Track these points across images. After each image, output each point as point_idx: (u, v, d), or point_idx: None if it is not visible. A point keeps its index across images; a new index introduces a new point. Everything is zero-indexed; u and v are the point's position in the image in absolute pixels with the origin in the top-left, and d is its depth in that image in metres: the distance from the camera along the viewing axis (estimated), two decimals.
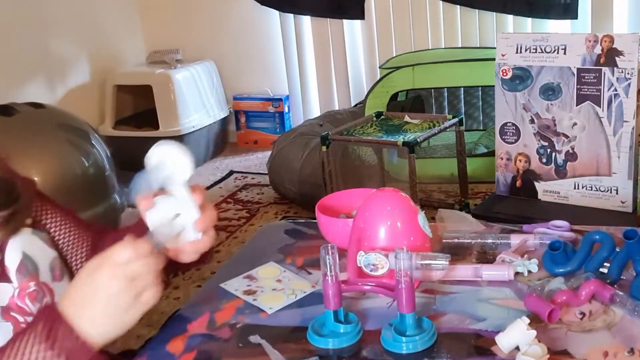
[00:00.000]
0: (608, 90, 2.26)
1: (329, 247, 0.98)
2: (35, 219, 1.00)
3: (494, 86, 2.52)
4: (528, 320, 0.91)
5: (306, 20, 4.20)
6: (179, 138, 4.02)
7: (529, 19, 3.69)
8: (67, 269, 1.04)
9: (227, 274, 1.23)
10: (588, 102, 2.31)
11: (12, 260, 0.92)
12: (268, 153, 3.61)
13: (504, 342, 0.92)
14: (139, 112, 4.27)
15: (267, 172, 3.54)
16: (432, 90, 3.81)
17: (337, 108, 4.17)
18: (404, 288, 0.96)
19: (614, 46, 2.23)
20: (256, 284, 1.18)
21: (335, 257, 0.99)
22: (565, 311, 1.02)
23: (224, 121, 4.40)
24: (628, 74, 2.22)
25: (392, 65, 3.55)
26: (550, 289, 1.05)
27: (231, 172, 4.02)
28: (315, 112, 4.28)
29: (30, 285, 0.93)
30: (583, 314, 1.01)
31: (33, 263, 0.95)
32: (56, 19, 3.85)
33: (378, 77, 3.71)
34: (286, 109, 4.38)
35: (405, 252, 0.95)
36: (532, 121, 2.44)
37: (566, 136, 2.38)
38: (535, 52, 2.38)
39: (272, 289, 1.16)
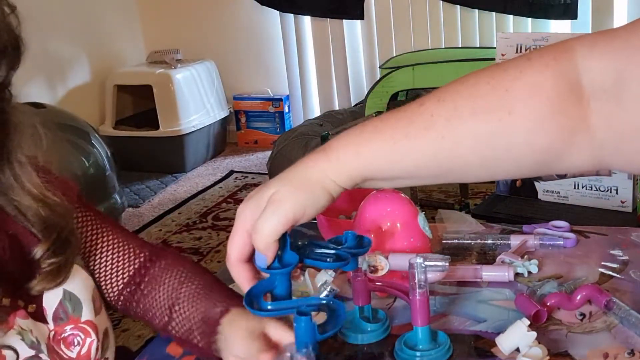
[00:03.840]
0: None
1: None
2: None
3: None
4: (528, 322, 0.91)
5: (306, 20, 4.20)
6: (179, 138, 4.02)
7: (529, 19, 3.69)
8: (100, 292, 0.97)
9: (226, 275, 1.23)
10: None
11: (50, 300, 0.85)
12: (268, 153, 3.61)
13: (504, 343, 0.92)
14: (139, 112, 4.27)
15: (267, 172, 3.54)
16: (432, 90, 3.80)
17: (337, 108, 4.17)
18: (418, 300, 0.92)
19: None
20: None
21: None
22: (565, 313, 1.02)
23: (224, 121, 4.40)
24: None
25: (392, 65, 3.54)
26: (542, 292, 1.05)
27: (231, 172, 4.02)
28: (315, 112, 4.28)
29: (66, 329, 0.86)
30: (583, 315, 1.01)
31: (75, 301, 0.88)
32: (56, 19, 3.85)
33: (378, 77, 3.70)
34: (286, 109, 4.38)
35: (422, 263, 0.90)
36: None
37: None
38: None
39: None
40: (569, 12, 3.55)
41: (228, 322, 0.86)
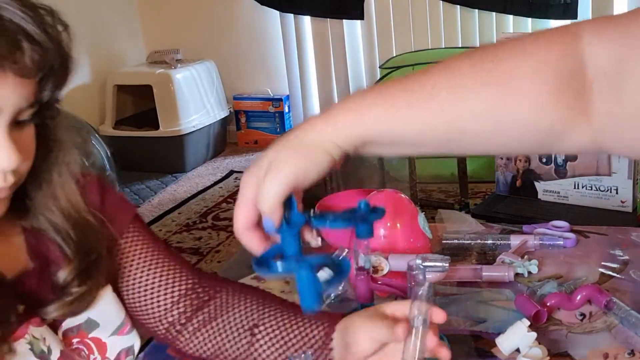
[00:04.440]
0: None
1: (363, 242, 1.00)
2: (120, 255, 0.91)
3: None
4: (528, 322, 0.91)
5: (306, 20, 4.20)
6: (179, 138, 4.02)
7: (529, 19, 3.70)
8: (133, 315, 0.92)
9: (228, 275, 1.23)
10: None
11: (68, 322, 0.83)
12: None
13: (504, 344, 0.92)
14: (139, 112, 4.27)
15: None
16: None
17: None
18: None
19: None
20: (264, 285, 1.17)
21: (368, 252, 1.02)
22: (565, 313, 1.02)
23: (224, 121, 4.40)
24: None
25: (392, 65, 3.54)
26: (542, 292, 1.05)
27: (231, 172, 4.02)
28: (315, 112, 4.27)
29: (73, 342, 0.84)
30: (583, 315, 1.01)
31: (93, 325, 0.85)
32: None
33: (378, 77, 3.70)
34: (286, 109, 4.38)
35: (421, 264, 0.89)
36: None
37: None
38: None
39: (281, 290, 1.16)
40: (569, 11, 3.55)
41: (341, 331, 0.84)
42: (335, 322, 0.85)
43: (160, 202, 3.68)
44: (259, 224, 0.73)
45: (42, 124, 0.78)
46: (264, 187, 0.70)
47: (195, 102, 4.14)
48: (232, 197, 3.63)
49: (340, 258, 0.74)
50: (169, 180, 3.96)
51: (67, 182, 0.83)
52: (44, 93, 0.74)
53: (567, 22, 3.57)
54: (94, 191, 0.89)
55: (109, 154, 3.14)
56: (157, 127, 4.02)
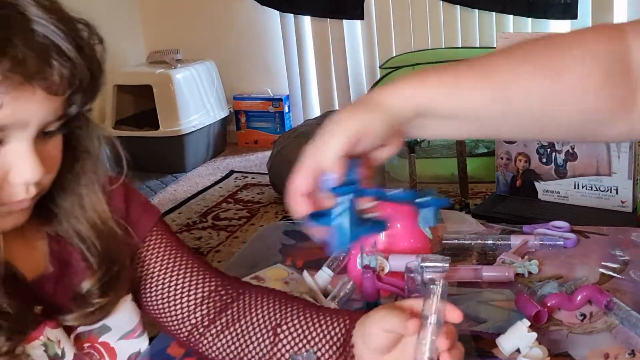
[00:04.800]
0: None
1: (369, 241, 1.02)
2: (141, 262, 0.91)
3: None
4: (529, 323, 0.91)
5: (306, 20, 4.20)
6: (179, 138, 4.02)
7: (529, 19, 3.70)
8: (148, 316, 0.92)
9: (233, 271, 1.22)
10: None
11: (82, 327, 0.84)
12: (268, 153, 3.61)
13: (504, 344, 0.92)
14: (139, 112, 4.27)
15: (267, 172, 3.54)
16: None
17: (337, 108, 4.17)
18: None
19: None
20: (264, 285, 1.17)
21: (374, 252, 1.05)
22: (565, 313, 1.02)
23: (224, 121, 4.40)
24: None
25: (392, 65, 3.54)
26: (543, 292, 1.05)
27: (231, 172, 4.02)
28: (315, 112, 4.28)
29: (85, 346, 0.84)
30: (584, 315, 1.01)
31: (105, 329, 0.85)
32: None
33: (378, 77, 3.70)
34: (286, 109, 4.38)
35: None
36: None
37: None
38: None
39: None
40: (569, 11, 3.55)
41: (359, 327, 0.83)
42: (356, 319, 0.84)
43: (160, 202, 3.68)
44: (310, 195, 0.73)
45: (70, 132, 0.78)
46: (324, 142, 0.73)
47: (195, 102, 4.14)
48: (232, 196, 3.63)
49: (378, 216, 0.75)
50: (169, 180, 3.96)
51: (94, 192, 0.83)
52: (72, 107, 0.73)
53: (567, 22, 3.59)
54: (120, 197, 0.89)
55: (108, 153, 3.14)
56: (157, 127, 4.02)
